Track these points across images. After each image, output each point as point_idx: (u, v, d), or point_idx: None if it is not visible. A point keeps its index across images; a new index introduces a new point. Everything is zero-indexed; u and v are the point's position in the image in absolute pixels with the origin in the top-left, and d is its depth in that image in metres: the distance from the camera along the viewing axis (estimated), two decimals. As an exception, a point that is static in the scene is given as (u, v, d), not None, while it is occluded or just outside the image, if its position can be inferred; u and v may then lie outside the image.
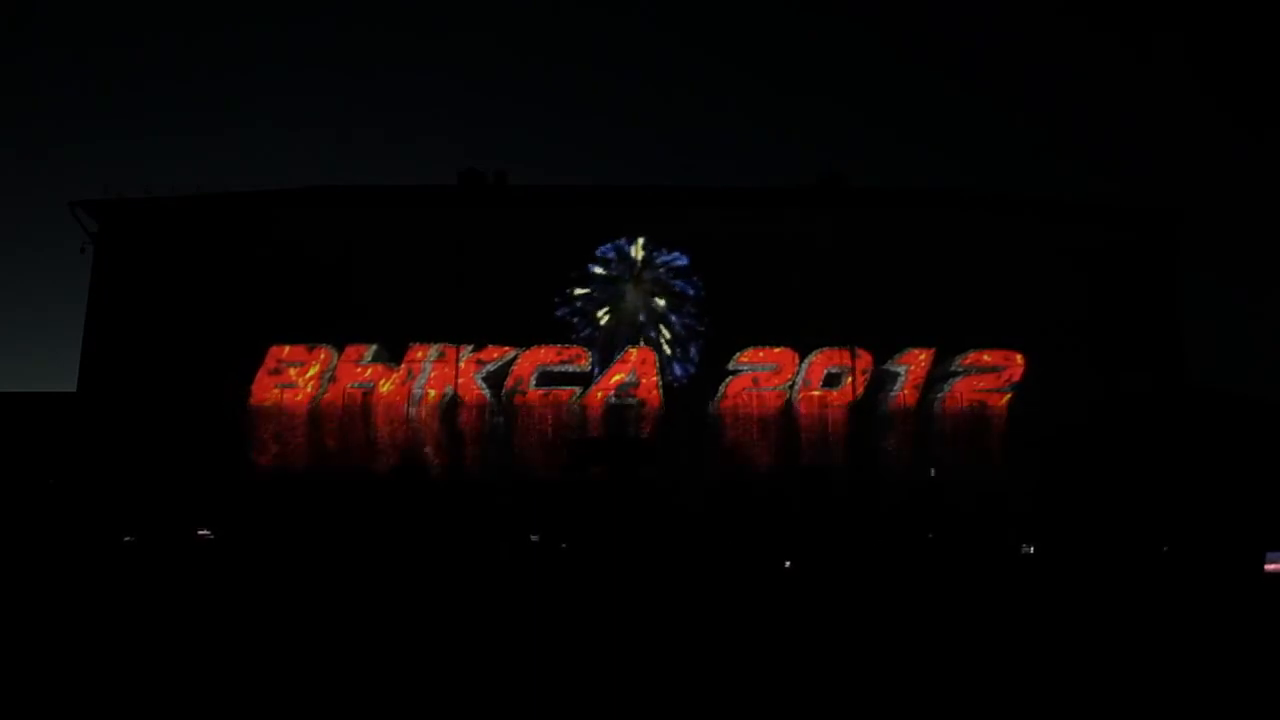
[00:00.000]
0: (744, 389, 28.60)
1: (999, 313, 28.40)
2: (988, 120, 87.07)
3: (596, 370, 28.58)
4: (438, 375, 28.57)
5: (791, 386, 28.61)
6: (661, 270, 29.19)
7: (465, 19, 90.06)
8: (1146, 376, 28.19)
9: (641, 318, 28.91)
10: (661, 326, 28.84)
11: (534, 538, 24.02)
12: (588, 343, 28.72)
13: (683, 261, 29.07)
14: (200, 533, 24.29)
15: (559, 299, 28.84)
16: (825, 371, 28.68)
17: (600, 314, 28.92)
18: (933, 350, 28.23)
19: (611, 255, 29.22)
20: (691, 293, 28.92)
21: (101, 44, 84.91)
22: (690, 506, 24.67)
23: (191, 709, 9.00)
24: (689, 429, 28.31)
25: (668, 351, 28.71)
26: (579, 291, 28.93)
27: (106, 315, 28.71)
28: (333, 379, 28.46)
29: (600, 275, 29.07)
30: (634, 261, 29.18)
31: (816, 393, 28.59)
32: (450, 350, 28.48)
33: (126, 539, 23.09)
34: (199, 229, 29.19)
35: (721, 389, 28.51)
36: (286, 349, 28.32)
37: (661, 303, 28.97)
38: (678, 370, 28.57)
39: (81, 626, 13.29)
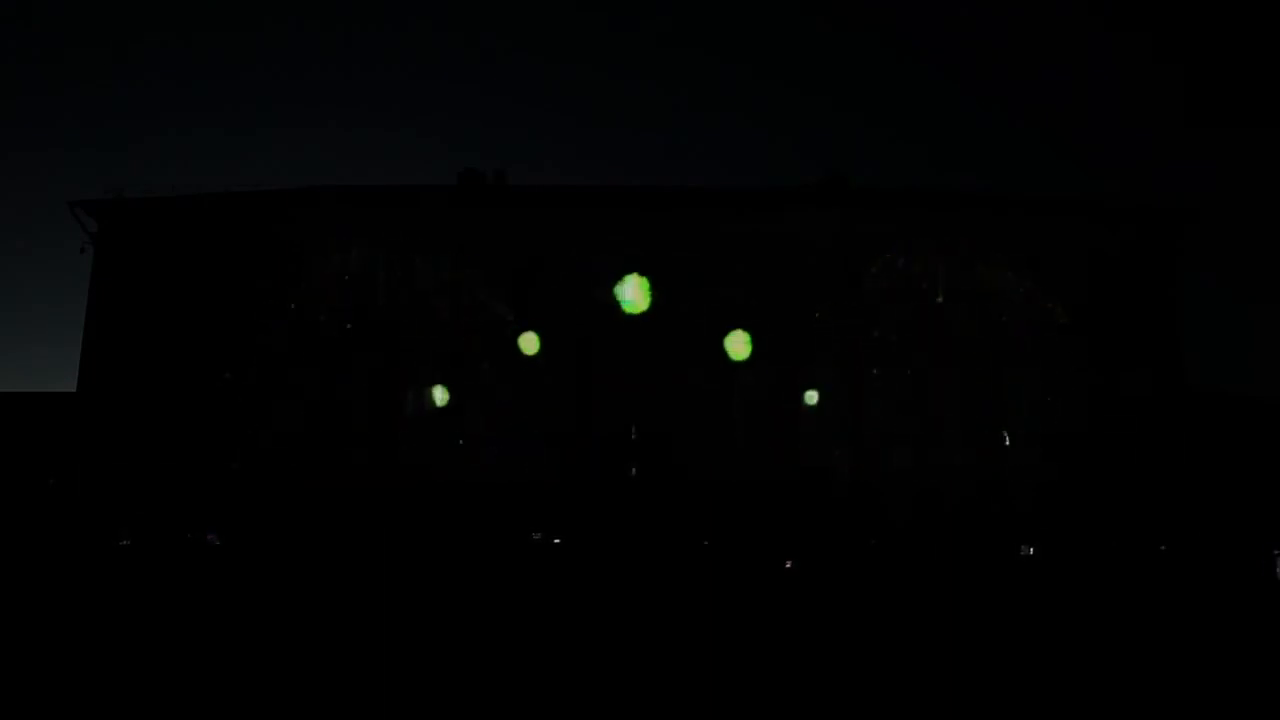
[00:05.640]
0: (746, 388, 28.51)
1: (999, 312, 28.33)
2: (988, 120, 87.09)
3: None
4: (439, 375, 28.51)
5: (793, 386, 28.53)
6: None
7: (465, 19, 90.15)
8: (1147, 376, 28.12)
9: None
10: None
11: (535, 535, 24.00)
12: None
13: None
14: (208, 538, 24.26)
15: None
16: (825, 370, 28.59)
17: None
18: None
19: None
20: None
21: (101, 44, 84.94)
22: (693, 505, 24.60)
23: (192, 707, 8.99)
24: (693, 428, 28.28)
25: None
26: None
27: (106, 315, 28.69)
28: (334, 378, 28.42)
29: None
30: None
31: (818, 393, 28.52)
32: (452, 350, 28.42)
33: (125, 542, 23.10)
34: (199, 229, 29.13)
35: (723, 389, 28.42)
36: (287, 349, 28.25)
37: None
38: (683, 371, 28.42)
39: (80, 626, 13.28)
